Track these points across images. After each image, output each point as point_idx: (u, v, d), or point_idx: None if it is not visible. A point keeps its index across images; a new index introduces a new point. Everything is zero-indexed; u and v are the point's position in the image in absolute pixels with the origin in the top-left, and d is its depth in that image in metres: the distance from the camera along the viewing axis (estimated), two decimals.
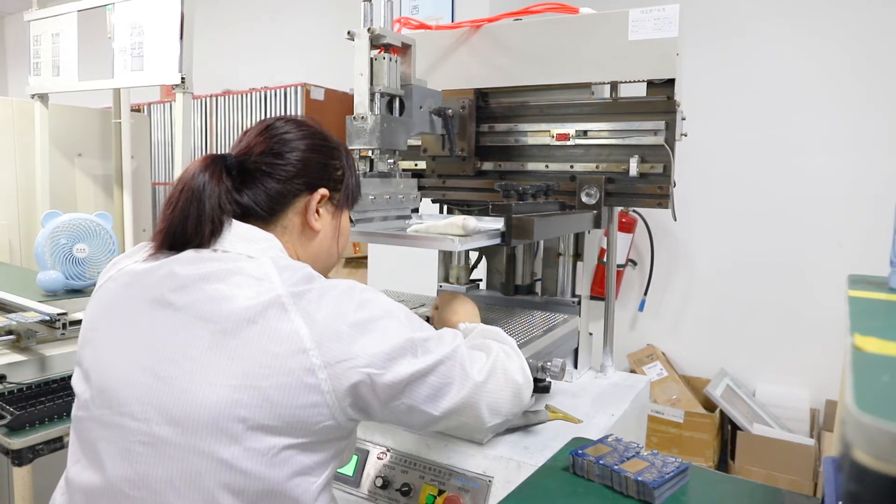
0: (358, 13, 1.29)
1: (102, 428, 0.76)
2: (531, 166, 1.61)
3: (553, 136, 1.57)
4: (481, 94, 1.66)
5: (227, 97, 3.45)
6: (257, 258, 0.80)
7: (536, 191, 1.39)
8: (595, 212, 1.47)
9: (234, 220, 0.83)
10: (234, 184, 0.84)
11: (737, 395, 2.80)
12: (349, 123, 1.28)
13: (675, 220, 1.52)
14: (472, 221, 1.06)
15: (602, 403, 1.43)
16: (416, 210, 1.41)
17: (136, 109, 3.67)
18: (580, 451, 1.01)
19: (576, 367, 1.57)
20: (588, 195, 1.49)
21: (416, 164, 1.74)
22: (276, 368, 0.71)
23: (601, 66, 1.49)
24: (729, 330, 2.95)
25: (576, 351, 1.56)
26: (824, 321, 2.70)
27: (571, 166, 1.57)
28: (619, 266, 2.96)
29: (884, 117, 2.62)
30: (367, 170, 1.30)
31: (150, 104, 3.93)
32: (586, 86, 1.62)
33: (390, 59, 1.29)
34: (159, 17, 2.33)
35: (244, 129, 0.95)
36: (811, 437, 2.63)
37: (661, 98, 1.45)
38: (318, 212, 0.90)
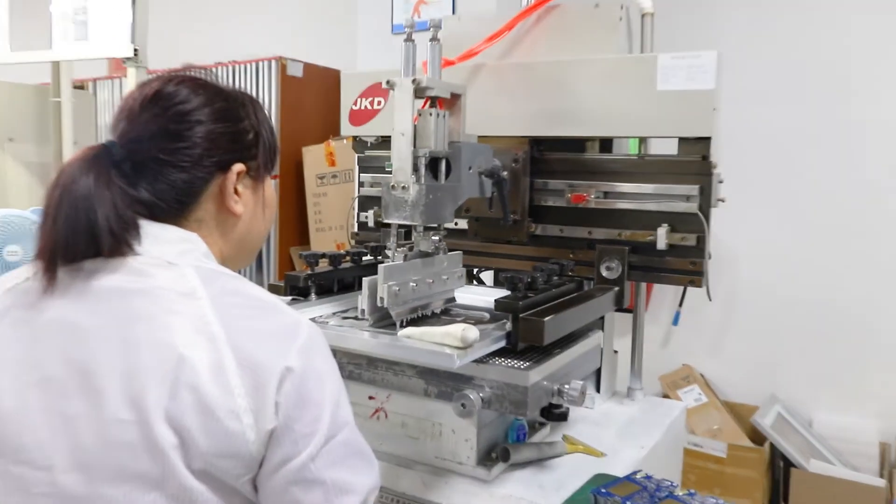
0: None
1: None
2: (539, 230, 1.64)
3: (567, 198, 1.60)
4: (535, 144, 1.65)
5: (189, 73, 3.45)
6: (178, 265, 0.80)
7: (549, 274, 1.41)
8: (617, 288, 1.50)
9: (142, 221, 0.81)
10: (128, 181, 0.80)
11: (790, 426, 2.80)
12: (387, 193, 1.27)
13: (710, 300, 1.54)
14: (472, 332, 1.09)
15: (629, 434, 1.45)
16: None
17: (80, 86, 3.68)
18: (604, 490, 1.01)
19: (598, 390, 1.59)
20: (609, 269, 1.53)
21: (455, 223, 1.71)
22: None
23: (626, 119, 1.53)
24: (780, 348, 2.95)
25: (598, 372, 1.57)
26: (895, 339, 2.70)
27: (589, 232, 1.60)
28: None
29: None
30: (407, 250, 1.31)
31: (95, 80, 3.93)
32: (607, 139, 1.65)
33: (438, 115, 1.28)
34: None
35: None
36: (881, 476, 2.62)
37: (695, 158, 1.48)
38: (236, 192, 0.88)
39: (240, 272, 0.89)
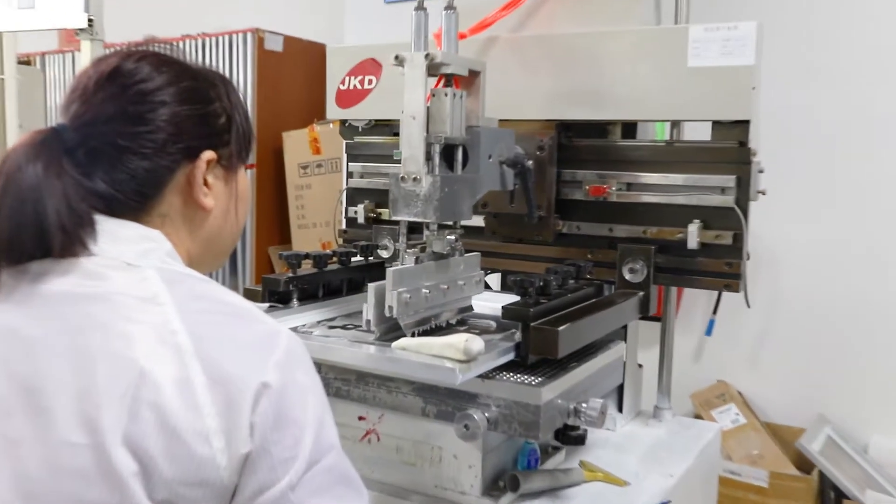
0: None
1: None
2: (566, 228, 1.64)
3: (585, 190, 1.60)
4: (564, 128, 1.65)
5: (151, 48, 3.46)
6: (138, 267, 0.80)
7: (564, 277, 1.41)
8: (641, 293, 1.51)
9: (97, 216, 0.82)
10: (81, 170, 0.81)
11: (842, 451, 2.80)
12: (395, 186, 1.26)
13: (749, 306, 1.55)
14: (476, 344, 1.09)
15: (656, 459, 1.45)
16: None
17: (26, 62, 3.69)
18: None
19: (620, 409, 1.59)
20: (632, 271, 1.54)
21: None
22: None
23: (651, 100, 1.53)
24: (830, 362, 2.95)
25: (620, 388, 1.57)
26: None
27: (610, 229, 1.61)
28: None
29: None
30: (419, 251, 1.30)
31: (44, 54, 3.94)
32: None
33: (454, 96, 1.28)
34: None
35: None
36: None
37: (732, 144, 1.49)
38: (206, 183, 0.89)
39: (210, 275, 0.90)
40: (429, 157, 1.25)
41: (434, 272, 1.29)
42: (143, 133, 0.83)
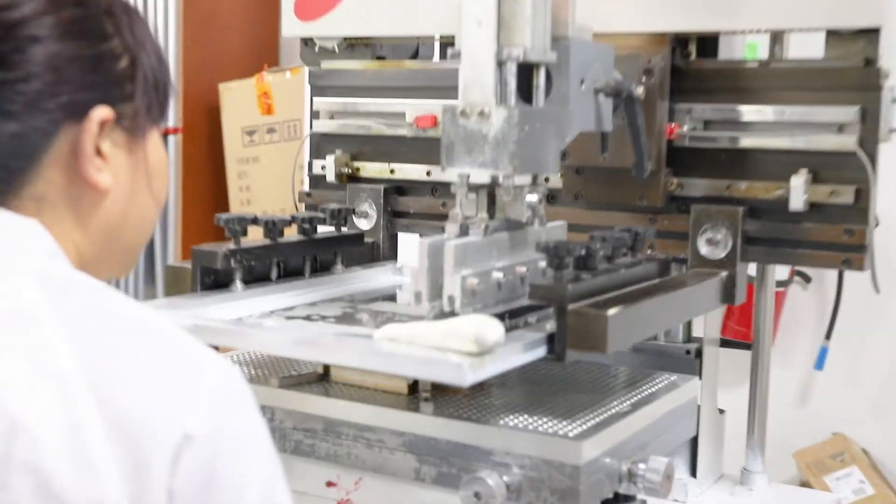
0: None
1: None
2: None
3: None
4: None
5: None
6: (6, 270, 0.81)
7: (615, 245, 1.39)
8: (725, 273, 1.51)
9: None
10: None
11: None
12: (449, 124, 1.26)
13: (878, 291, 1.56)
14: (492, 330, 1.10)
15: None
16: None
17: None
18: None
19: (694, 473, 1.59)
20: (711, 242, 1.54)
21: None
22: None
23: (740, 3, 1.52)
24: None
25: (694, 442, 1.57)
26: None
27: (681, 185, 1.60)
28: (777, 284, 2.95)
29: None
30: (488, 218, 1.30)
31: None
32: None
33: None
34: None
35: None
36: None
37: (854, 63, 1.49)
38: (100, 153, 0.90)
39: (114, 284, 0.90)
40: (502, 83, 1.25)
41: (508, 248, 1.30)
42: (7, 82, 0.84)
